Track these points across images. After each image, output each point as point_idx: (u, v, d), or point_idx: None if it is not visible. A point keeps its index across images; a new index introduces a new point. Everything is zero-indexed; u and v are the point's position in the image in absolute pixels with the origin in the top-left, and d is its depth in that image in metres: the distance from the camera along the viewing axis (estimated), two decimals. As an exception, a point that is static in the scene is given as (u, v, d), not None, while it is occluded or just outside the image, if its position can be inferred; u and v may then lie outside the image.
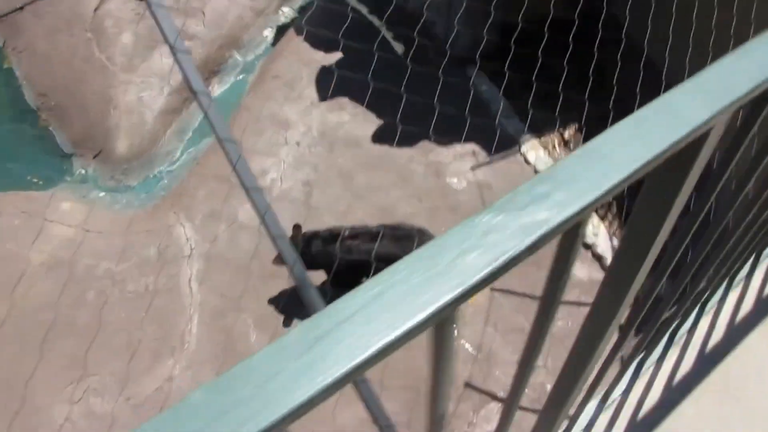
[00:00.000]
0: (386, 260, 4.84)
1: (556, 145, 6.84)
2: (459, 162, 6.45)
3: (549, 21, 4.56)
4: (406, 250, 4.99)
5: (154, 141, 6.46)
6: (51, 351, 5.25)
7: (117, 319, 5.35)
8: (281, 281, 5.49)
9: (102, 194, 6.30)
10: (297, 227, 5.16)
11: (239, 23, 7.30)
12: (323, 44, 6.79)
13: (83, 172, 6.49)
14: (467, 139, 6.37)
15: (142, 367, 5.21)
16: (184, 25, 6.96)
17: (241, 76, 7.19)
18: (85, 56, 6.71)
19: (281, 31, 7.56)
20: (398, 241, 5.07)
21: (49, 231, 5.69)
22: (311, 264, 5.03)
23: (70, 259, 5.58)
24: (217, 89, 7.02)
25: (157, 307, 5.40)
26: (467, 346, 5.49)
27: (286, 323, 5.49)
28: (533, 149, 6.68)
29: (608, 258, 6.06)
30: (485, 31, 5.40)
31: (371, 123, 6.45)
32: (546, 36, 4.51)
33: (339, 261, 5.03)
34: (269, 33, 7.55)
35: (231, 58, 7.15)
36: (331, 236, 5.13)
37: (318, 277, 5.37)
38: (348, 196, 5.97)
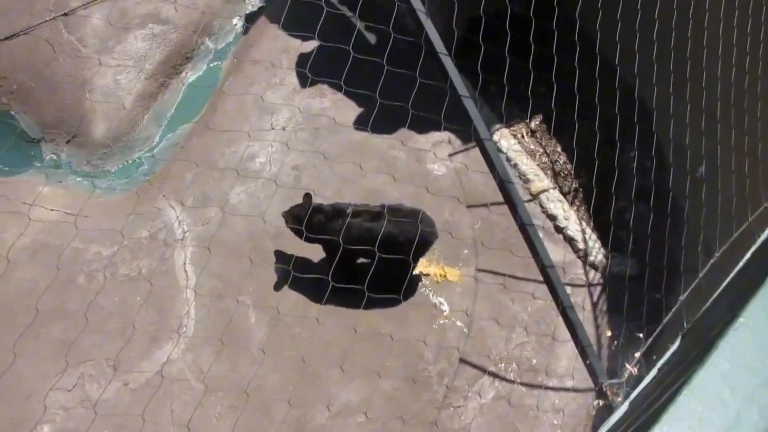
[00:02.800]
0: (386, 241, 4.94)
1: (525, 135, 7.22)
2: (437, 149, 6.67)
3: (509, 17, 4.69)
4: (405, 232, 5.12)
5: (133, 126, 6.29)
6: (40, 338, 5.04)
7: (110, 304, 5.20)
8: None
9: (79, 179, 6.07)
10: (308, 195, 5.15)
11: (210, 10, 7.21)
12: (299, 31, 6.82)
13: (54, 157, 6.23)
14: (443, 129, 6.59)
15: (140, 351, 5.09)
16: (156, 9, 6.82)
17: (214, 63, 7.11)
18: (50, 37, 6.45)
19: (249, 19, 7.52)
20: (398, 223, 5.10)
21: (29, 215, 5.44)
22: (310, 237, 5.01)
23: (56, 243, 5.36)
24: (191, 75, 6.91)
25: (152, 291, 5.28)
26: (459, 323, 5.68)
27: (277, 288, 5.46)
28: (505, 138, 7.01)
29: (579, 241, 6.45)
30: (454, 25, 5.52)
31: (352, 110, 6.55)
32: (509, 34, 4.66)
33: (338, 238, 5.03)
34: (238, 21, 7.50)
35: (203, 45, 7.05)
36: (334, 212, 5.16)
37: (316, 251, 5.41)
38: (336, 180, 6.05)
